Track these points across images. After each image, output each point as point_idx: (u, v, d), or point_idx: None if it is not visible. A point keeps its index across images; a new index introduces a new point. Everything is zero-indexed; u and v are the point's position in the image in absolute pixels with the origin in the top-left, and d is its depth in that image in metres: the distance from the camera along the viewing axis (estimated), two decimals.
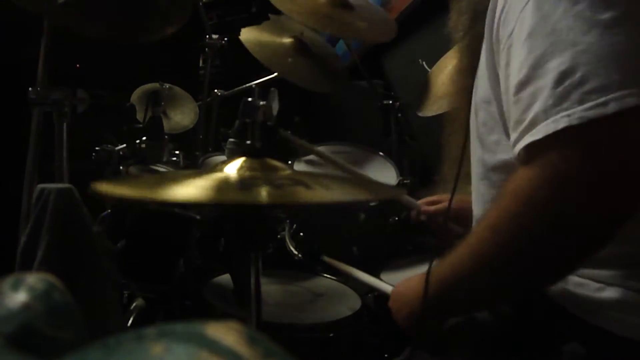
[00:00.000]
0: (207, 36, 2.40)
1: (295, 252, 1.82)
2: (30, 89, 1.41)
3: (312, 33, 2.21)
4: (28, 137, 1.46)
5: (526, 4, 0.78)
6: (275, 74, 2.24)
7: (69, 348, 0.41)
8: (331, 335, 1.44)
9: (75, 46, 1.70)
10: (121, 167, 1.74)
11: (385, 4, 3.12)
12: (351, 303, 1.56)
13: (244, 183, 0.87)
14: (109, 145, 1.73)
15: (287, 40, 2.14)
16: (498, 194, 0.83)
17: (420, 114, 2.15)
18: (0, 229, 1.67)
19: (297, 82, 2.04)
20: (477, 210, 1.01)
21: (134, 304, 1.60)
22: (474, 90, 0.95)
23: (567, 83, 0.72)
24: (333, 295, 1.62)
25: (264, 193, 0.82)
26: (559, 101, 0.72)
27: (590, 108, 0.71)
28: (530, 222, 0.76)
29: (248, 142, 1.00)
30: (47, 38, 1.44)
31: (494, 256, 0.81)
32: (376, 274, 1.73)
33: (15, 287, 0.43)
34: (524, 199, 0.76)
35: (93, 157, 1.72)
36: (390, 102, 2.29)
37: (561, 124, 0.72)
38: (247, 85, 2.36)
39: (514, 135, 0.79)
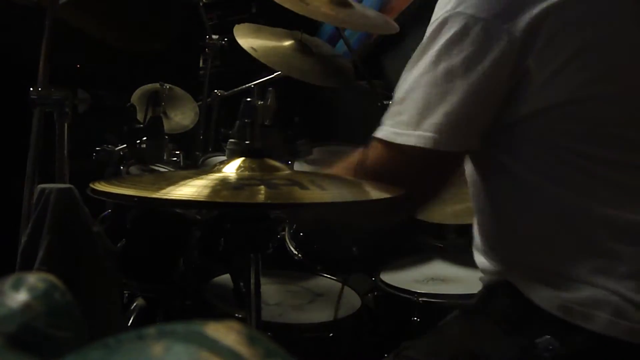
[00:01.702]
0: (207, 36, 2.40)
1: (295, 252, 1.82)
2: (30, 89, 1.41)
3: (312, 37, 2.22)
4: (28, 137, 1.46)
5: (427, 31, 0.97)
6: (275, 73, 2.24)
7: (69, 348, 0.41)
8: (331, 335, 1.44)
9: (76, 46, 1.70)
10: (121, 167, 1.74)
11: (385, 4, 3.12)
12: (351, 303, 1.56)
13: (239, 183, 0.87)
14: (110, 146, 1.73)
15: (287, 42, 2.14)
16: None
17: None
18: (0, 228, 1.67)
19: (302, 79, 2.04)
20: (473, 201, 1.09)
21: (134, 304, 1.60)
22: None
23: (396, 107, 0.97)
24: (333, 295, 1.62)
25: (258, 193, 0.82)
26: (388, 117, 0.98)
27: (392, 133, 0.95)
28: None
29: (247, 142, 1.00)
30: (47, 38, 1.44)
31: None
32: (376, 274, 1.73)
33: (16, 286, 0.43)
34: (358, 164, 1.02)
35: (93, 157, 1.72)
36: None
37: (379, 134, 0.97)
38: (247, 85, 2.36)
39: None
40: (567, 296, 0.90)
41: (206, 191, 0.83)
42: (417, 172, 0.97)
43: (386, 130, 0.96)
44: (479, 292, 1.06)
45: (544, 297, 0.91)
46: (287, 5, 1.83)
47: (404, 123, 0.93)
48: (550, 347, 0.89)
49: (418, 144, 0.92)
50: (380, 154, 0.98)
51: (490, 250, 1.01)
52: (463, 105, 0.90)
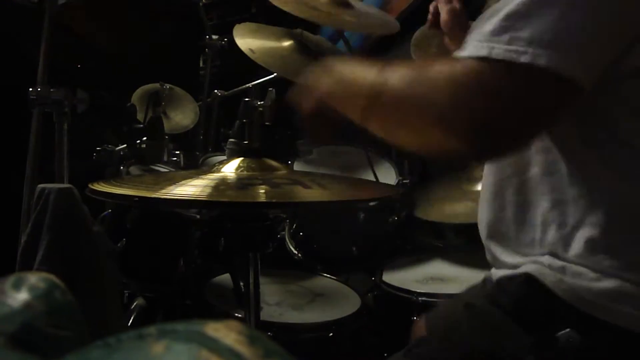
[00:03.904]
0: (207, 36, 2.40)
1: (295, 252, 1.82)
2: (30, 89, 1.41)
3: (311, 35, 2.21)
4: (28, 137, 1.46)
5: None
6: (275, 74, 2.24)
7: (70, 347, 0.41)
8: (331, 335, 1.44)
9: (76, 46, 1.70)
10: (121, 167, 1.74)
11: (385, 4, 3.12)
12: (351, 303, 1.56)
13: (242, 182, 0.87)
14: (110, 146, 1.73)
15: (287, 42, 2.14)
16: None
17: None
18: (0, 228, 1.67)
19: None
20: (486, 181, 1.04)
21: (134, 304, 1.60)
22: None
23: (510, 21, 0.79)
24: (333, 295, 1.62)
25: (261, 192, 0.83)
26: (494, 32, 0.80)
27: (509, 51, 0.78)
28: (436, 97, 0.83)
29: (245, 142, 1.00)
30: (47, 38, 1.44)
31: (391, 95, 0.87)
32: (376, 274, 1.73)
33: (17, 286, 0.43)
34: (445, 80, 0.83)
35: (93, 157, 1.72)
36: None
37: (482, 52, 0.80)
38: (247, 85, 2.36)
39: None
40: (591, 288, 0.87)
41: (210, 191, 0.83)
42: (537, 102, 0.80)
43: (493, 48, 0.79)
44: (486, 287, 1.04)
45: (565, 288, 0.89)
46: (287, 8, 1.82)
47: (524, 39, 0.78)
48: (571, 341, 0.87)
49: (556, 66, 0.76)
50: (480, 74, 0.80)
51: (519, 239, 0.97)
52: (605, 29, 0.79)
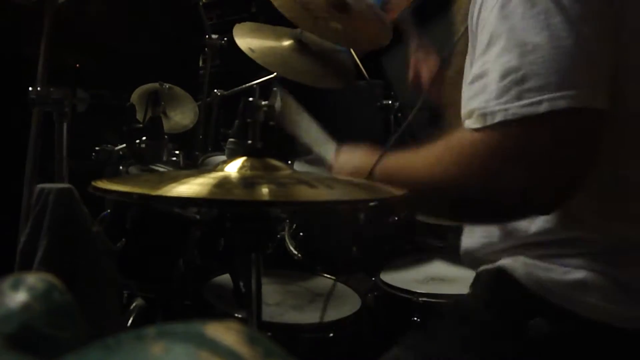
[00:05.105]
0: (207, 36, 2.40)
1: (295, 252, 1.82)
2: (30, 88, 1.41)
3: (312, 35, 2.21)
4: (28, 137, 1.46)
5: (493, 7, 0.85)
6: (275, 73, 2.24)
7: (68, 348, 0.41)
8: (331, 335, 1.44)
9: (75, 46, 1.70)
10: (121, 167, 1.74)
11: (385, 3, 3.11)
12: (351, 303, 1.56)
13: (246, 181, 0.87)
14: (109, 145, 1.73)
15: (286, 42, 2.14)
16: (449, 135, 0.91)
17: None
18: (0, 228, 1.67)
19: (300, 80, 2.04)
20: None
21: (134, 304, 1.60)
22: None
23: (509, 79, 0.80)
24: (333, 295, 1.62)
25: (266, 191, 0.82)
26: (499, 95, 0.80)
27: (525, 105, 0.78)
28: (463, 180, 0.85)
29: (249, 141, 1.00)
30: (47, 38, 1.44)
31: (429, 182, 0.92)
32: (376, 274, 1.73)
33: (15, 287, 0.43)
34: (464, 157, 0.86)
35: (93, 157, 1.72)
36: (390, 102, 2.28)
37: (497, 118, 0.80)
38: (247, 85, 2.36)
39: (463, 118, 0.87)
40: (559, 281, 0.91)
41: (217, 189, 0.82)
42: (572, 141, 0.80)
43: (506, 110, 0.79)
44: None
45: (535, 281, 0.92)
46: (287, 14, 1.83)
47: (534, 89, 0.78)
48: (541, 330, 0.90)
49: (573, 102, 0.77)
50: (507, 140, 0.80)
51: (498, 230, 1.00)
52: (596, 51, 0.81)
